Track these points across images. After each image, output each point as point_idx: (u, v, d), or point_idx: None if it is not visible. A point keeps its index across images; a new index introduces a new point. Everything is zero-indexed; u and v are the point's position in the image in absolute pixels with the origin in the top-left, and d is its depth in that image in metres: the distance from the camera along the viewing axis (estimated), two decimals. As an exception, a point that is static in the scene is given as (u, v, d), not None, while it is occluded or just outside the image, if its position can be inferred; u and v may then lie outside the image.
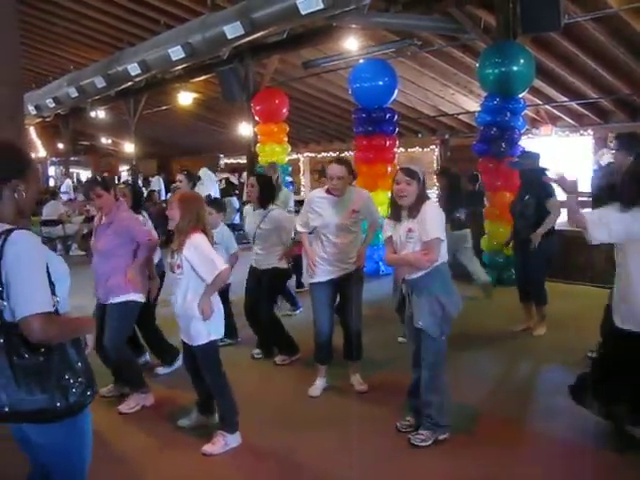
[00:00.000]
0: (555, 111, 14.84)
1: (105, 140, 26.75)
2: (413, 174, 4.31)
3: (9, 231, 2.40)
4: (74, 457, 2.65)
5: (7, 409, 2.39)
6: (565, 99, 13.84)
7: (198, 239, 4.20)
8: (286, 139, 12.80)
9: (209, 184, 13.65)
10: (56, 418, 2.46)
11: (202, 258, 4.17)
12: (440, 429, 4.41)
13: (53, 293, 2.46)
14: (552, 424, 4.67)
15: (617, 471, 3.94)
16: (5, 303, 2.37)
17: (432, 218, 4.27)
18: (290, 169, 12.98)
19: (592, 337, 6.49)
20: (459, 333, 6.36)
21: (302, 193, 18.12)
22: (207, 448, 4.35)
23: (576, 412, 4.71)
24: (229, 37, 9.27)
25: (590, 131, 14.99)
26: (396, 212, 4.42)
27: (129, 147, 20.80)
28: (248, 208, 6.59)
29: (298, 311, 8.06)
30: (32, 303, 2.33)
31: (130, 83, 13.59)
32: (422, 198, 4.32)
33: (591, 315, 7.34)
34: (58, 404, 2.44)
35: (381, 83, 10.22)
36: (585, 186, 12.74)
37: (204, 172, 14.35)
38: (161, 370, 6.00)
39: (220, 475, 4.17)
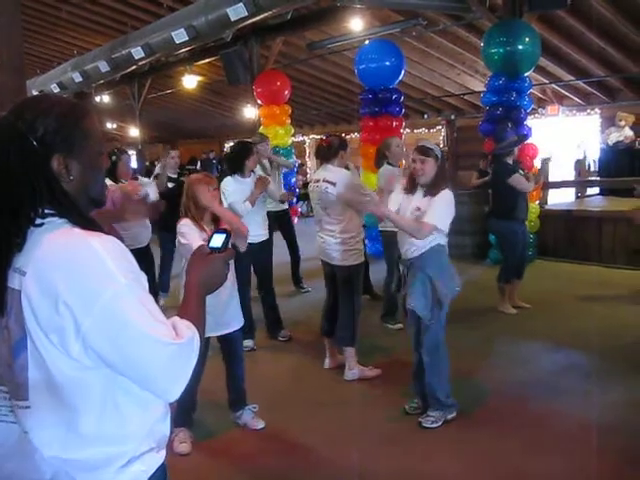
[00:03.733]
0: (562, 90, 14.73)
1: (110, 125, 26.66)
2: (428, 151, 4.26)
3: None
4: None
5: None
6: (572, 78, 13.74)
7: None
8: (289, 121, 12.74)
9: None
10: None
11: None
12: (448, 409, 4.43)
13: None
14: (558, 403, 4.67)
15: (625, 451, 3.93)
16: None
17: (441, 207, 4.21)
18: (293, 151, 12.89)
19: (598, 317, 6.53)
20: (464, 311, 6.42)
21: (308, 175, 18.04)
22: None
23: (581, 392, 4.75)
24: (232, 19, 9.20)
25: (597, 110, 14.90)
26: (411, 185, 4.39)
27: (134, 131, 20.75)
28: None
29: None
30: None
31: (134, 67, 13.53)
32: (442, 179, 4.27)
33: (599, 295, 7.40)
34: None
35: (388, 64, 10.13)
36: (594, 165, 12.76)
37: None
38: None
39: (228, 455, 4.19)
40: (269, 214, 6.61)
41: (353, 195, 5.08)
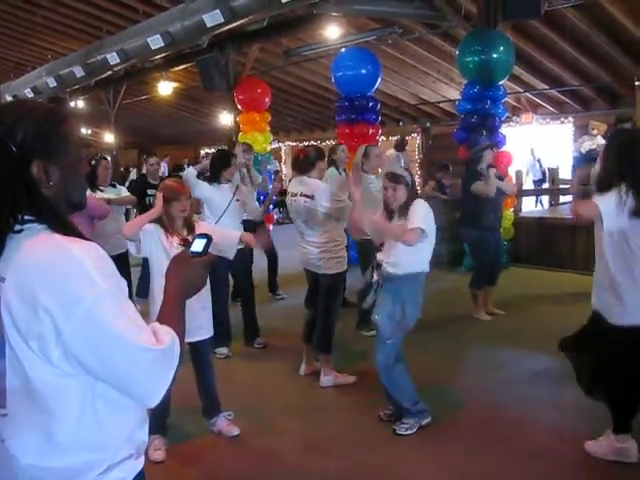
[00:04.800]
0: (536, 99, 14.89)
1: (85, 130, 26.46)
2: (399, 178, 4.28)
3: None
4: None
5: None
6: (546, 87, 13.91)
7: None
8: (268, 128, 12.75)
9: None
10: None
11: None
12: (420, 415, 4.44)
13: None
14: (532, 409, 4.71)
15: (596, 458, 3.96)
16: None
17: (419, 211, 4.23)
18: (272, 158, 12.89)
19: (570, 324, 6.59)
20: (438, 318, 6.44)
21: (284, 182, 18.00)
22: None
23: (553, 398, 4.80)
24: (209, 25, 9.18)
25: (571, 118, 15.07)
26: (388, 212, 4.41)
27: (109, 137, 20.60)
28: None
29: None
30: None
31: (109, 72, 13.43)
32: (412, 199, 4.30)
33: (572, 302, 7.45)
34: None
35: (364, 71, 10.19)
36: (566, 173, 12.89)
37: None
38: None
39: (202, 462, 4.17)
40: (249, 223, 6.62)
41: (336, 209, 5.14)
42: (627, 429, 3.81)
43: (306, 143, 21.11)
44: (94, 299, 1.42)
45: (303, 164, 5.31)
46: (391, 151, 13.54)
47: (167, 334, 1.53)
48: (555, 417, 4.54)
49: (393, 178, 4.28)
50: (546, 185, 13.93)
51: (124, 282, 1.54)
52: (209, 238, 1.79)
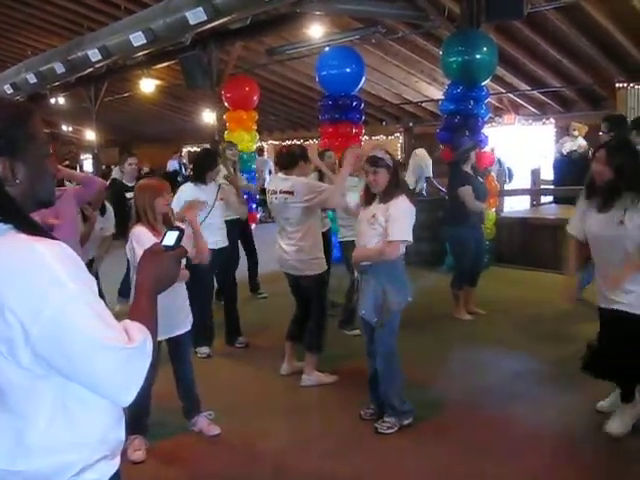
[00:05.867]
0: (518, 99, 14.97)
1: (66, 127, 26.27)
2: (378, 161, 4.28)
3: None
4: None
5: None
6: (528, 88, 13.98)
7: None
8: (255, 127, 12.73)
9: None
10: None
11: None
12: (404, 415, 4.44)
13: None
14: (513, 408, 4.72)
15: (576, 452, 3.99)
16: None
17: (401, 218, 4.23)
18: (256, 157, 12.87)
19: (551, 323, 6.63)
20: (419, 318, 6.45)
21: (265, 181, 17.96)
22: None
23: (534, 397, 4.82)
24: (191, 23, 9.13)
25: (552, 119, 15.17)
26: (367, 197, 4.42)
27: (90, 135, 20.46)
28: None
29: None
30: None
31: (91, 69, 13.33)
32: (395, 186, 4.29)
33: (552, 301, 7.49)
34: None
35: (348, 70, 10.18)
36: (548, 173, 12.96)
37: None
38: None
39: (183, 462, 4.15)
40: (232, 222, 6.60)
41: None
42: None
43: (289, 142, 21.11)
44: (62, 300, 1.39)
45: (287, 161, 5.29)
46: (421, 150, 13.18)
47: (139, 331, 1.50)
48: (536, 416, 4.55)
49: (373, 162, 4.28)
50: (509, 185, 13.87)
51: (94, 281, 1.52)
52: (181, 231, 1.77)
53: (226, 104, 12.63)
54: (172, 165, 21.27)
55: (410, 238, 4.25)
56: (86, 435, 1.55)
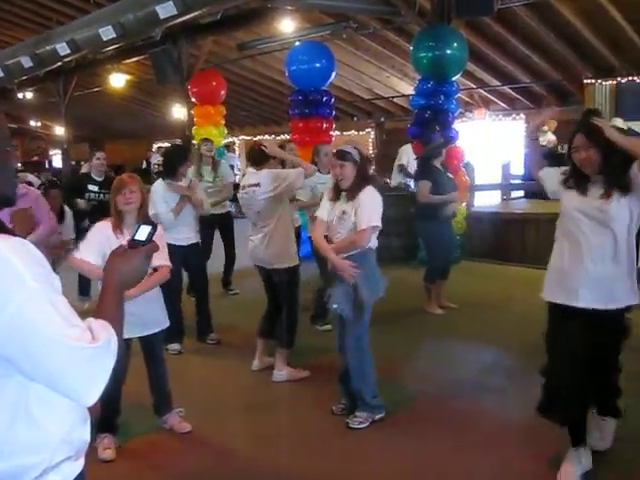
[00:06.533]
0: (488, 95, 15.07)
1: (34, 123, 25.96)
2: (345, 155, 4.29)
3: None
4: None
5: None
6: (498, 83, 14.09)
7: None
8: (223, 122, 12.65)
9: None
10: None
11: None
12: (375, 410, 4.45)
13: None
14: (484, 402, 4.76)
15: (546, 445, 4.03)
16: None
17: (368, 205, 4.25)
18: (226, 152, 12.81)
19: (521, 317, 6.69)
20: (391, 312, 6.48)
21: (237, 177, 17.89)
22: None
23: (504, 390, 4.86)
24: (162, 17, 9.04)
25: (522, 115, 15.28)
26: (335, 192, 4.43)
27: (60, 130, 20.23)
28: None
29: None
30: None
31: (59, 63, 13.16)
32: (361, 181, 4.30)
33: (522, 295, 7.57)
34: None
35: (318, 65, 10.16)
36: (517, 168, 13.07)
37: None
38: None
39: (154, 460, 4.13)
40: (212, 217, 6.59)
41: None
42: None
43: (260, 137, 21.04)
44: (22, 298, 1.36)
45: (257, 157, 5.31)
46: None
47: (103, 330, 1.47)
48: (506, 409, 4.60)
49: (340, 155, 4.30)
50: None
51: (57, 279, 1.49)
52: (154, 226, 1.76)
53: (193, 99, 12.54)
54: (155, 158, 21.07)
55: (379, 223, 4.27)
56: (49, 436, 1.52)
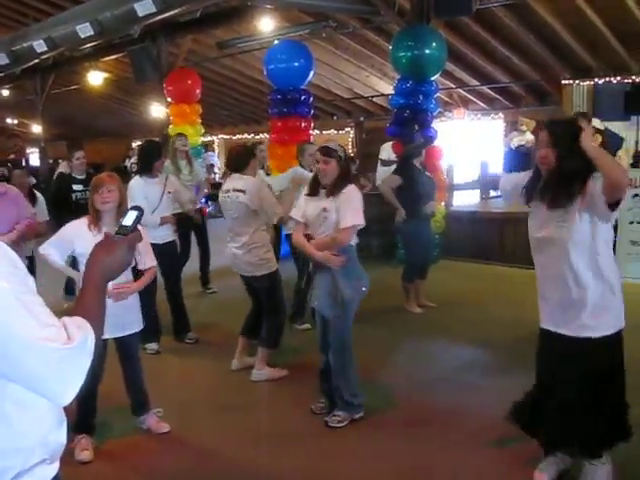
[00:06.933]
0: (467, 94, 15.14)
1: (10, 120, 25.69)
2: (331, 152, 4.29)
3: None
4: None
5: None
6: (477, 83, 14.15)
7: None
8: (199, 121, 12.60)
9: None
10: None
11: None
12: (355, 409, 4.45)
13: None
14: (464, 400, 4.78)
15: (525, 443, 4.05)
16: None
17: (351, 204, 4.25)
18: (204, 151, 12.75)
19: (498, 315, 6.73)
20: (370, 311, 6.48)
21: (216, 175, 17.84)
22: None
23: (483, 387, 4.89)
24: (140, 15, 8.98)
25: (501, 114, 15.37)
26: (314, 188, 4.42)
27: (37, 128, 20.04)
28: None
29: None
30: None
31: (36, 61, 13.03)
32: (344, 178, 4.31)
33: (500, 293, 7.63)
34: None
35: (296, 64, 10.14)
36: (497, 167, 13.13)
37: None
38: None
39: (131, 461, 4.09)
40: (183, 215, 6.55)
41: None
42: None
43: (240, 136, 21.05)
44: None
45: (236, 162, 5.32)
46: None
47: (78, 329, 1.45)
48: (486, 406, 4.60)
49: (326, 152, 4.30)
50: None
51: (31, 278, 1.47)
52: (140, 211, 1.75)
53: (168, 98, 12.47)
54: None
55: (362, 222, 4.27)
56: (24, 439, 1.50)
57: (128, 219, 1.73)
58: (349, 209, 4.23)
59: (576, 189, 3.14)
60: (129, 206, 4.45)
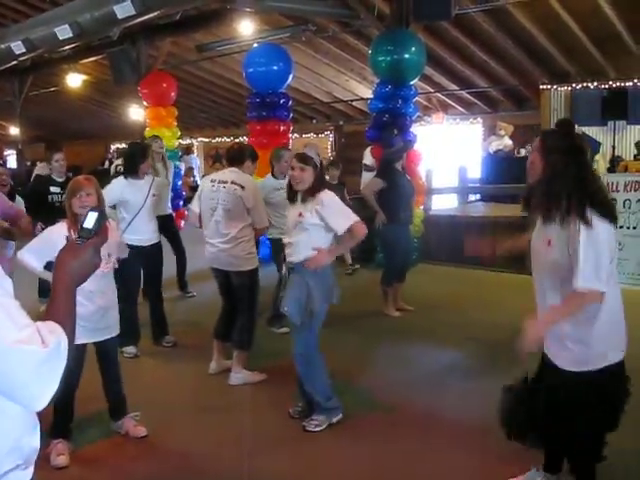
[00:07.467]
0: (446, 99, 15.22)
1: (-13, 122, 25.43)
2: (307, 160, 4.30)
3: None
4: None
5: None
6: (456, 87, 14.24)
7: None
8: (176, 124, 12.57)
9: None
10: None
11: None
12: (332, 412, 4.45)
13: None
14: (441, 403, 4.79)
15: (505, 446, 4.06)
16: None
17: (334, 209, 4.28)
18: (180, 154, 12.72)
19: (476, 318, 6.77)
20: (348, 314, 6.51)
21: (196, 178, 17.77)
22: None
23: (461, 390, 4.91)
24: (119, 17, 8.94)
25: (480, 119, 15.48)
26: (291, 195, 4.45)
27: (14, 130, 19.86)
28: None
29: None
30: None
31: (14, 62, 12.93)
32: (318, 185, 4.32)
33: (478, 297, 7.67)
34: None
35: (275, 68, 10.16)
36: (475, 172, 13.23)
37: None
38: None
39: (108, 466, 4.07)
40: (160, 218, 6.53)
41: None
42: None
43: (219, 139, 21.01)
44: None
45: (236, 155, 5.37)
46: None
47: (50, 333, 1.44)
48: (464, 409, 4.63)
49: (302, 159, 4.31)
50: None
51: (8, 280, 1.46)
52: (101, 212, 1.74)
53: (144, 102, 12.42)
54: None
55: (356, 217, 4.31)
56: None
57: (89, 221, 1.71)
58: (335, 214, 4.26)
59: (562, 207, 2.94)
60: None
